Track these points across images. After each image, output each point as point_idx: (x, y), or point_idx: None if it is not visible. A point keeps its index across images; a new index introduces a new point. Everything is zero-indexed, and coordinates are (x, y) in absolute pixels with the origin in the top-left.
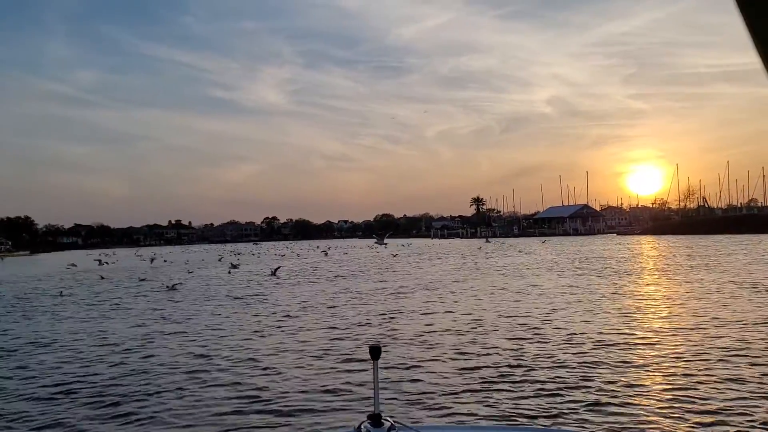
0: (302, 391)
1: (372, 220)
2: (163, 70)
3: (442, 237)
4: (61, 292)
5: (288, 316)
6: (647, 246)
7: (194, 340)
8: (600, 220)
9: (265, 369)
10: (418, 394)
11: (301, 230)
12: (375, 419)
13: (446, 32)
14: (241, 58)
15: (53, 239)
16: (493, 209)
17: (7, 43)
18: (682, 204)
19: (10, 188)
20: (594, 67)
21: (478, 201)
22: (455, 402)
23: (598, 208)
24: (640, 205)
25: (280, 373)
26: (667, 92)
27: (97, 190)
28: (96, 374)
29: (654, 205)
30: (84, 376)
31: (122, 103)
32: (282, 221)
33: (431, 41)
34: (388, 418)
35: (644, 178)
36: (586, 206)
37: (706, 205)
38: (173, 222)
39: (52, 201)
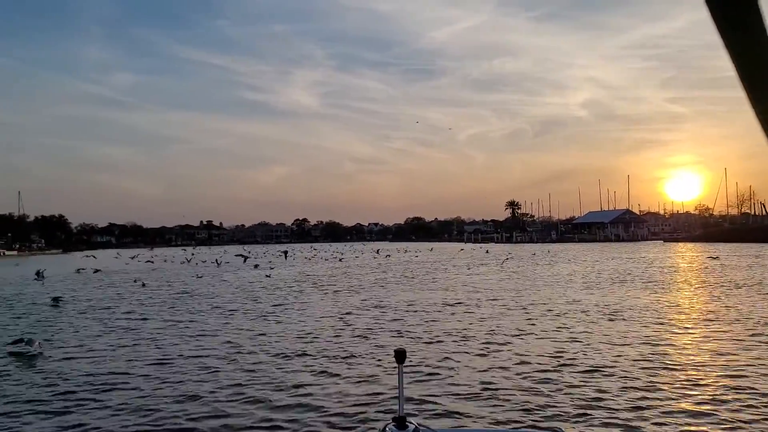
0: (330, 393)
1: (403, 223)
2: (197, 73)
3: (476, 241)
4: (58, 298)
5: (339, 326)
6: (709, 255)
7: (220, 344)
8: (643, 226)
9: (293, 372)
10: None
11: (331, 232)
12: (399, 422)
13: (478, 35)
14: (274, 61)
15: (87, 238)
16: (527, 213)
17: (46, 46)
18: (732, 210)
19: (47, 188)
20: (631, 69)
21: (513, 205)
22: None
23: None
24: (684, 211)
25: (311, 374)
26: (708, 96)
27: (131, 191)
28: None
29: (697, 212)
30: None
31: (157, 105)
32: (312, 223)
33: (463, 44)
34: (412, 421)
35: (684, 184)
36: (628, 211)
37: (765, 211)
38: (204, 223)
39: (88, 201)
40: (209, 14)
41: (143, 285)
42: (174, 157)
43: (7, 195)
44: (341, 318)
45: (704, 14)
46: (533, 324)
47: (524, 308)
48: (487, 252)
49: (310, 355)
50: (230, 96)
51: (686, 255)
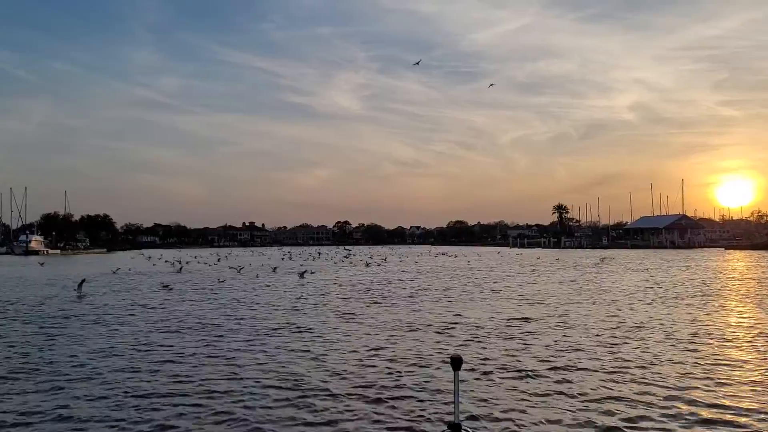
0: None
1: (445, 226)
2: (241, 76)
3: (522, 246)
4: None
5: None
6: None
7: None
8: (700, 233)
9: (350, 378)
10: None
11: (373, 235)
12: (455, 429)
13: (522, 36)
14: (317, 64)
15: (132, 238)
16: (572, 218)
17: (98, 51)
18: None
19: (96, 188)
20: (681, 71)
21: (560, 209)
22: None
23: None
24: (743, 218)
25: (364, 382)
26: (763, 98)
27: (176, 192)
28: None
29: (753, 218)
30: None
31: (202, 107)
32: (354, 225)
33: (507, 46)
34: (468, 428)
35: (737, 189)
36: (683, 216)
37: None
38: (247, 224)
39: (135, 201)
40: (254, 18)
41: (170, 289)
42: (218, 159)
43: (56, 194)
44: (392, 339)
45: (759, 14)
46: (653, 354)
47: (632, 331)
48: (538, 258)
49: (362, 366)
50: (273, 99)
51: (761, 265)
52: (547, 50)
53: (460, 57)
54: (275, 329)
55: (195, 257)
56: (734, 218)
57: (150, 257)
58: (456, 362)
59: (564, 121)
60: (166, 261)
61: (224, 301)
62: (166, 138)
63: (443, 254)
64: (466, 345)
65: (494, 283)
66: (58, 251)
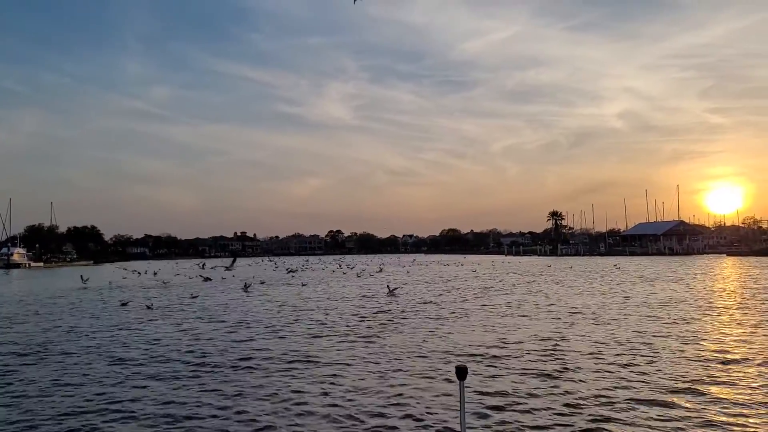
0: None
1: (438, 235)
2: (233, 86)
3: (517, 254)
4: None
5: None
6: None
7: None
8: (698, 239)
9: (354, 388)
10: None
11: (365, 244)
12: None
13: (513, 45)
14: (308, 74)
15: (122, 249)
16: (565, 225)
17: (88, 61)
18: None
19: (86, 200)
20: (669, 79)
21: (555, 215)
22: None
23: None
24: (740, 224)
25: (370, 392)
26: (750, 106)
27: (168, 202)
28: None
29: (744, 224)
30: None
31: (194, 118)
32: (346, 235)
33: (497, 55)
34: None
35: (726, 196)
36: (681, 222)
37: None
38: (238, 234)
39: (126, 212)
40: (245, 28)
41: (149, 307)
42: (210, 169)
43: (46, 206)
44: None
45: (746, 22)
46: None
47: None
48: (549, 266)
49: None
50: (265, 108)
51: None
52: (536, 59)
53: (451, 66)
54: (256, 358)
55: (177, 267)
56: (726, 224)
57: (125, 270)
58: (461, 372)
59: (554, 130)
60: (131, 271)
61: (191, 320)
62: (158, 149)
63: (409, 266)
64: (490, 360)
65: (510, 294)
66: (42, 264)
